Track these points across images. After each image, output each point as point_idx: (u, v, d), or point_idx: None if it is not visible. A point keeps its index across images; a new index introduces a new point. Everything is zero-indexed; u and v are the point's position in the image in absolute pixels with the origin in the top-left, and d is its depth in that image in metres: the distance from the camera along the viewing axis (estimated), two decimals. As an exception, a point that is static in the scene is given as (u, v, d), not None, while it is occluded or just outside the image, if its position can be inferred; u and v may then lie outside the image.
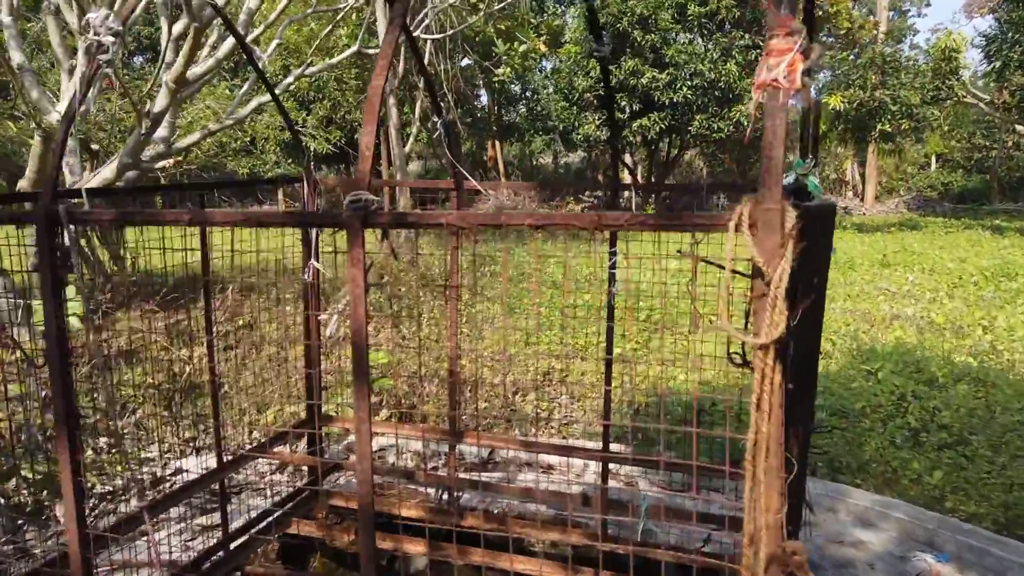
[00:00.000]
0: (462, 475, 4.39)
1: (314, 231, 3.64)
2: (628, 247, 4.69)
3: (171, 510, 4.06)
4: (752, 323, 1.47)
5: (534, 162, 31.73)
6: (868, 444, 5.58)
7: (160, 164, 7.63)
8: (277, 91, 7.41)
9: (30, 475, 4.63)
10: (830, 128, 23.97)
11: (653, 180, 23.43)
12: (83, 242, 9.29)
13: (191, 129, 10.61)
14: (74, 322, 4.77)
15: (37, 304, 4.81)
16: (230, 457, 4.06)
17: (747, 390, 1.37)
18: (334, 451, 4.97)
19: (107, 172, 7.43)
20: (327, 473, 3.86)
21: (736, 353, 1.80)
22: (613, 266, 3.68)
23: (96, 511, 4.85)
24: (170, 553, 3.63)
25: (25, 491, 4.86)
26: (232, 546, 3.44)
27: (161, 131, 8.20)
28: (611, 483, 4.07)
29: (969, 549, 3.77)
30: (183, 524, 4.33)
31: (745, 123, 20.68)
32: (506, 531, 3.72)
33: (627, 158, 25.01)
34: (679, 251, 3.55)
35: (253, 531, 3.58)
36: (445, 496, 3.96)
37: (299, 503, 3.83)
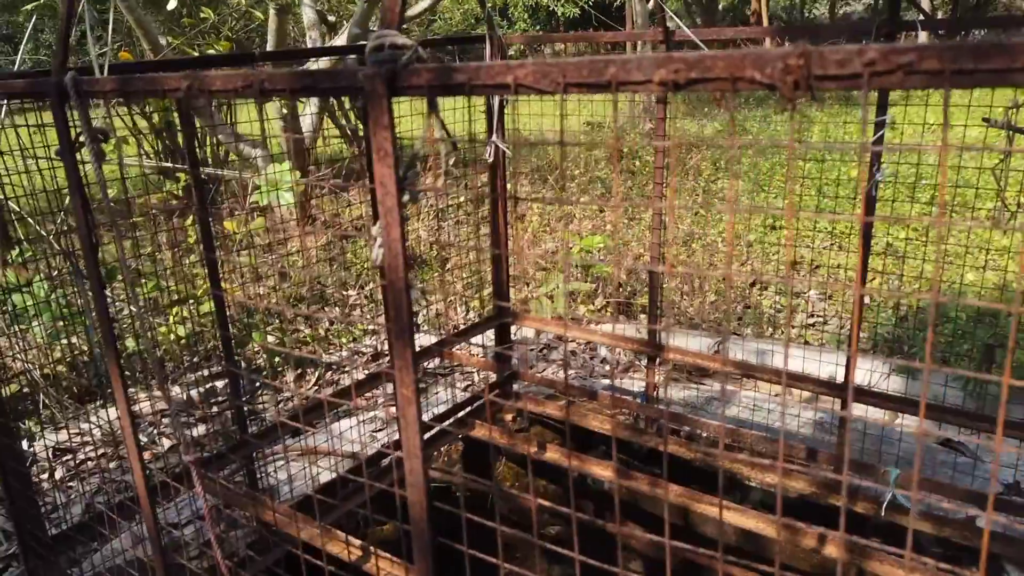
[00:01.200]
0: (664, 386, 3.81)
1: (496, 98, 3.09)
2: (907, 113, 3.56)
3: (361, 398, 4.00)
4: None
5: (807, 13, 27.91)
6: None
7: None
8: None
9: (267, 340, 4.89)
10: None
11: (957, 28, 19.30)
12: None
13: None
14: (287, 197, 4.82)
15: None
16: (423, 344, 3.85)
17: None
18: (521, 351, 4.63)
19: (339, 43, 7.43)
20: (508, 380, 3.49)
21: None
22: (879, 141, 2.70)
23: (321, 381, 5.04)
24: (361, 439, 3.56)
25: (263, 357, 5.19)
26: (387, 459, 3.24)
27: (392, -1, 7.99)
28: (861, 412, 3.25)
29: None
30: (375, 413, 4.29)
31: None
32: (712, 464, 3.13)
33: (923, 1, 20.85)
34: (986, 119, 2.48)
35: (434, 431, 3.35)
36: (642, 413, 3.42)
37: (487, 403, 3.54)
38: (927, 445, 3.14)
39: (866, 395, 2.77)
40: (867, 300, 4.59)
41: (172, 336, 4.52)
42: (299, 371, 5.14)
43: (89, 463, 3.77)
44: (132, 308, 3.78)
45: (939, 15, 20.97)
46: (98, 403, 4.31)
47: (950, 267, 4.75)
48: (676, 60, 0.74)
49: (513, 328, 3.89)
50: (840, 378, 3.19)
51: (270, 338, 5.20)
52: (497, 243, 3.46)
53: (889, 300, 5.10)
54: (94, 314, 1.45)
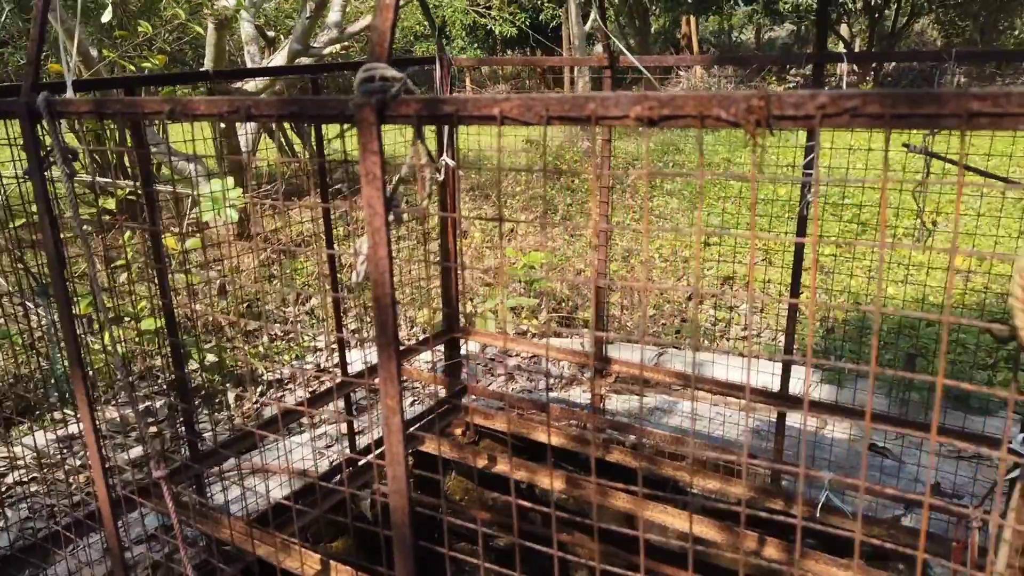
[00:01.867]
0: (613, 393, 3.92)
1: (446, 120, 3.16)
2: (833, 137, 3.79)
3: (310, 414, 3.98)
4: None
5: (734, 38, 28.97)
6: None
7: (329, 49, 7.46)
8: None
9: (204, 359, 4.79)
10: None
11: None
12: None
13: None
14: (233, 214, 4.77)
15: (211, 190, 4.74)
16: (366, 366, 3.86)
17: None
18: (473, 367, 4.69)
19: (279, 59, 7.38)
20: (458, 394, 3.55)
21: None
22: (809, 165, 2.88)
23: (263, 399, 4.97)
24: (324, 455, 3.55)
25: (202, 375, 5.08)
26: (362, 462, 3.25)
27: (333, 15, 7.99)
28: (795, 421, 3.42)
29: None
30: (330, 427, 4.27)
31: (998, -19, 17.18)
32: (656, 472, 3.23)
33: (843, 29, 21.95)
34: (906, 144, 2.68)
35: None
36: (588, 424, 3.52)
37: (436, 417, 3.57)
38: (854, 449, 3.33)
39: (799, 403, 2.93)
40: (798, 314, 4.82)
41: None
42: (240, 388, 5.06)
43: (19, 488, 3.63)
44: (82, 327, 3.67)
45: (857, 42, 22.09)
46: (26, 425, 4.15)
47: (871, 282, 5.03)
48: (651, 99, 0.83)
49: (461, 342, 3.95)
50: (774, 387, 3.36)
51: (210, 356, 5.10)
52: (447, 259, 3.52)
53: (817, 313, 5.36)
54: (59, 331, 1.46)
